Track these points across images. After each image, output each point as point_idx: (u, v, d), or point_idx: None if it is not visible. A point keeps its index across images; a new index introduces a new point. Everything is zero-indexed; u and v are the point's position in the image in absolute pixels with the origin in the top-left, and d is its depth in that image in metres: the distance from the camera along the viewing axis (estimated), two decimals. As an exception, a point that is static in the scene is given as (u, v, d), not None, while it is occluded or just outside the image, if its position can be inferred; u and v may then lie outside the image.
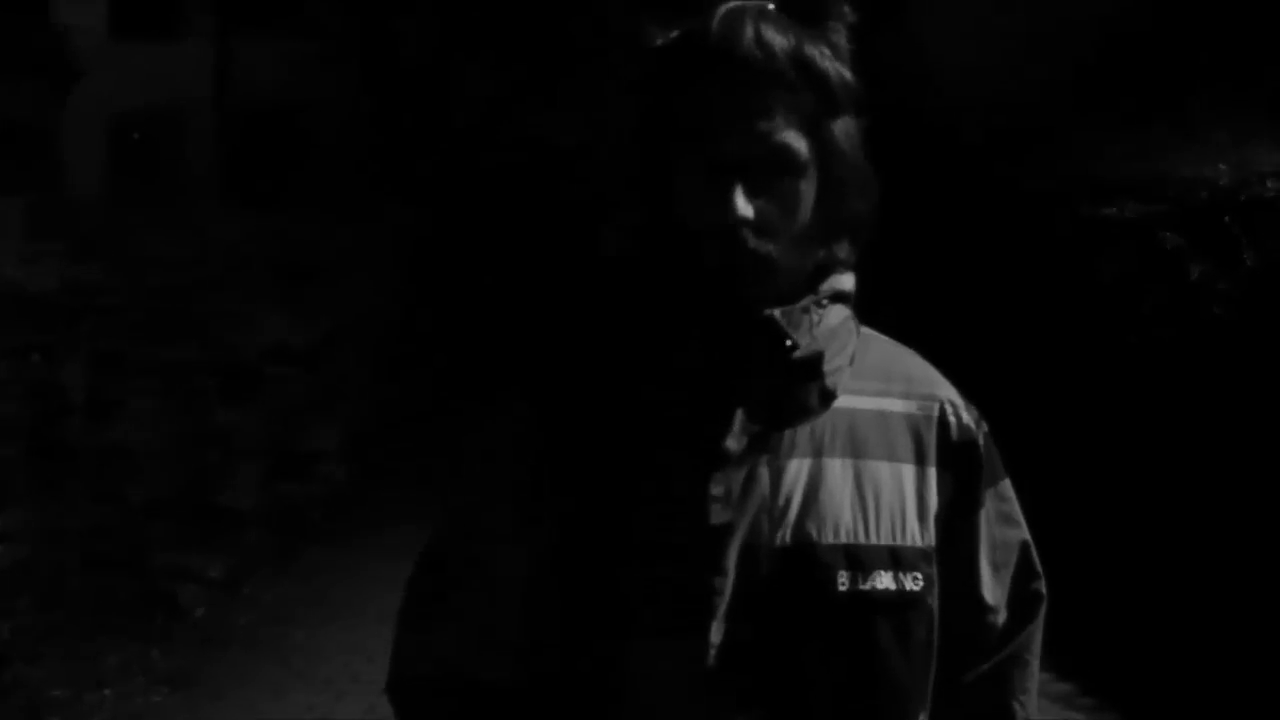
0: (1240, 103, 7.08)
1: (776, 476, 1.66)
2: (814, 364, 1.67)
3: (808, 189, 1.65)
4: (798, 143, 1.63)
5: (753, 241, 1.61)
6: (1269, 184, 5.75)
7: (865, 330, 1.79)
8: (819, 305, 1.69)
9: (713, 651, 1.62)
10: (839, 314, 1.72)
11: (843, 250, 1.74)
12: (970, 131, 9.19)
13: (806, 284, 1.69)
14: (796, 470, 1.67)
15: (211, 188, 21.36)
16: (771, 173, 1.62)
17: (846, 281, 1.75)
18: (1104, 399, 6.75)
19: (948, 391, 1.79)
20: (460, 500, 1.80)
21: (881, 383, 1.76)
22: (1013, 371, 6.80)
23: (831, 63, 1.67)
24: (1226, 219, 5.73)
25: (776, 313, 1.64)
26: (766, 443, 1.66)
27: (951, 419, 1.76)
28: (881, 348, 1.80)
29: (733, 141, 1.62)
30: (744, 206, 1.60)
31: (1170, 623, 6.00)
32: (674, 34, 1.68)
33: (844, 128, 1.69)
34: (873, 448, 1.71)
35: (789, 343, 1.64)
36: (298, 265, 10.04)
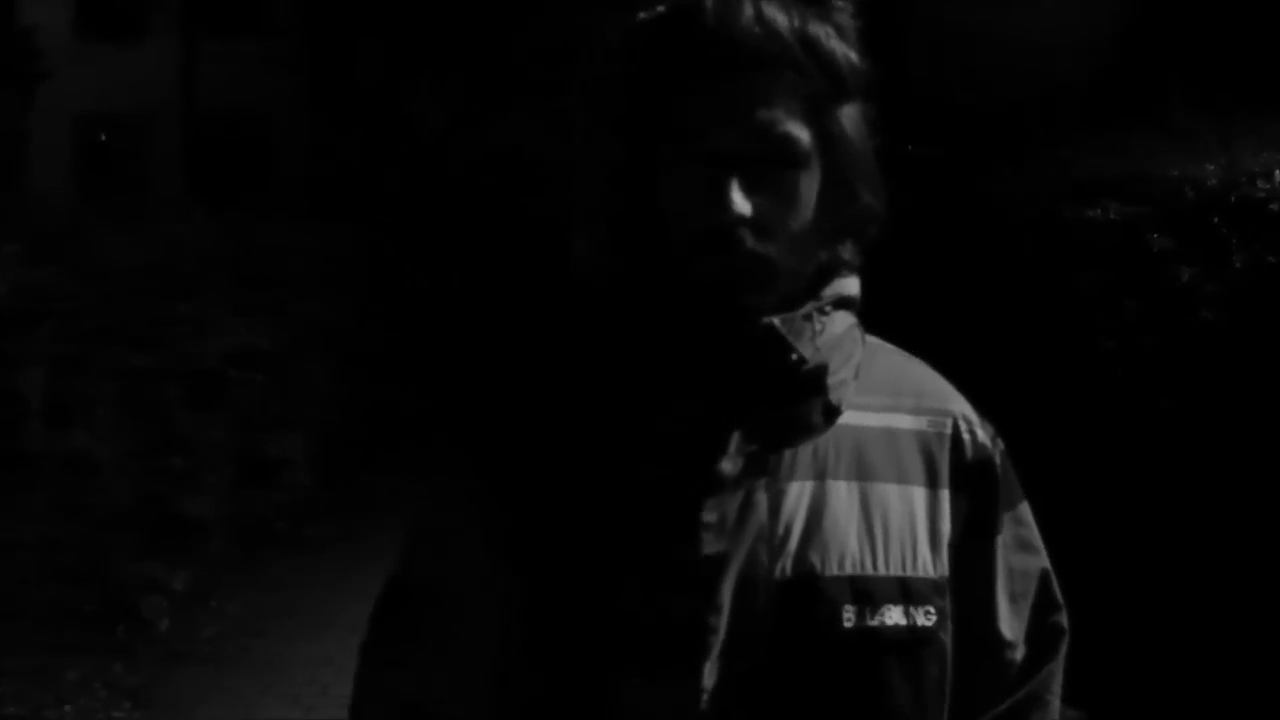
0: (1225, 101, 7.01)
1: (776, 502, 1.54)
2: (817, 377, 1.55)
3: (810, 184, 1.53)
4: (800, 132, 1.51)
5: (751, 242, 1.49)
6: (1259, 184, 5.67)
7: (870, 339, 1.67)
8: (822, 312, 1.56)
9: (706, 695, 1.49)
10: (843, 322, 1.60)
11: (847, 251, 1.62)
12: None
13: (807, 289, 1.56)
14: (798, 495, 1.55)
15: (175, 190, 21.31)
16: (771, 166, 1.50)
17: (851, 285, 1.63)
18: (1083, 410, 6.65)
19: (961, 406, 1.67)
20: (427, 525, 1.66)
21: (889, 397, 1.63)
22: (987, 380, 6.66)
23: (838, 43, 1.55)
24: (1215, 220, 5.64)
25: (776, 321, 1.51)
26: (765, 465, 1.54)
27: (966, 436, 1.64)
28: (889, 359, 1.68)
29: (729, 133, 1.49)
30: (742, 203, 1.48)
31: (1165, 640, 5.93)
32: (659, 9, 1.54)
33: (851, 115, 1.57)
34: (880, 469, 1.59)
35: (794, 356, 1.52)
36: (262, 270, 9.91)
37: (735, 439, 1.52)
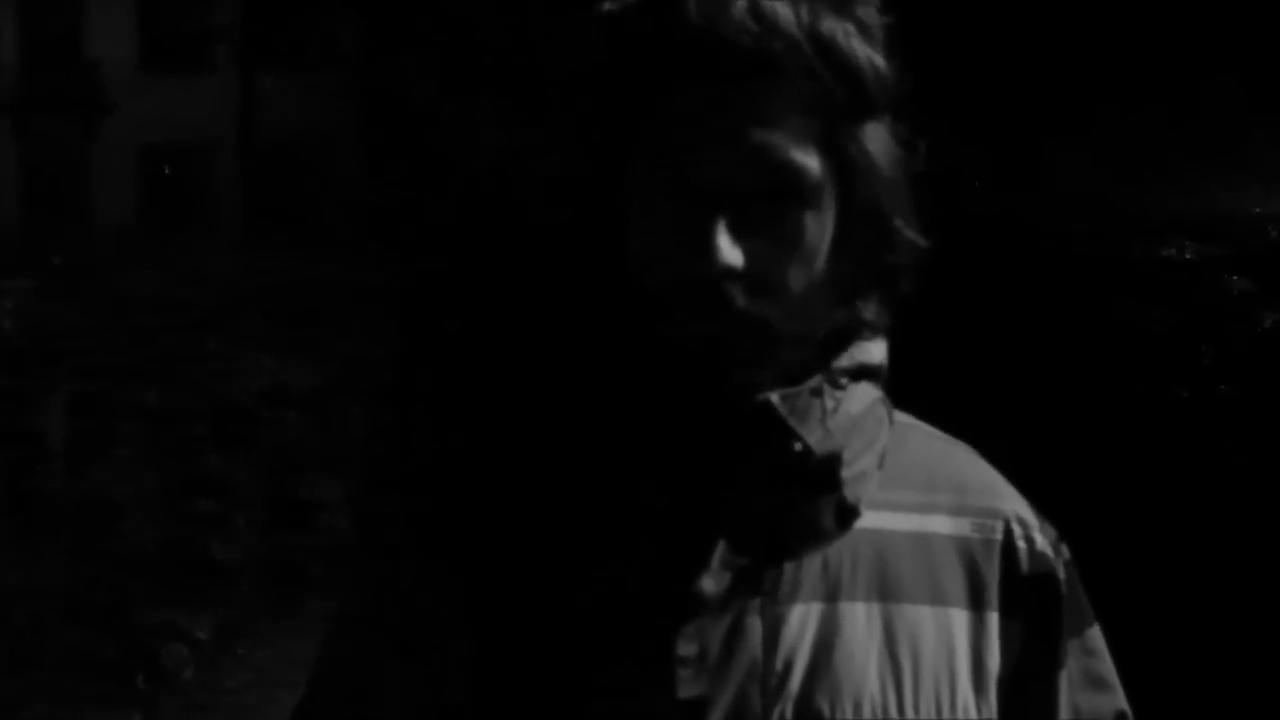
0: None
1: (773, 630, 1.25)
2: (828, 469, 1.26)
3: (820, 225, 1.24)
4: (807, 160, 1.22)
5: (742, 300, 1.21)
6: (1350, 225, 5.30)
7: (900, 418, 1.36)
8: (836, 386, 1.27)
9: None
10: (864, 397, 1.30)
11: (869, 309, 1.32)
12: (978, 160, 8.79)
13: (819, 357, 1.28)
14: (801, 620, 1.26)
15: (235, 223, 21.31)
16: (769, 203, 1.22)
17: (875, 352, 1.33)
18: (1155, 462, 6.31)
19: (1015, 505, 1.36)
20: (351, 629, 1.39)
21: (923, 493, 1.33)
22: (1051, 433, 6.36)
23: (859, 43, 1.24)
24: None
25: (775, 398, 1.23)
26: (759, 582, 1.25)
27: (1021, 544, 1.33)
28: (923, 443, 1.37)
29: (714, 160, 1.21)
30: (729, 251, 1.20)
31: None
32: (629, 1, 1.23)
33: (877, 136, 1.27)
34: (910, 586, 1.29)
35: (798, 446, 1.23)
36: (299, 305, 9.66)
37: (720, 549, 1.24)
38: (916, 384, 1.48)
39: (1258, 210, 5.53)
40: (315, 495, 9.22)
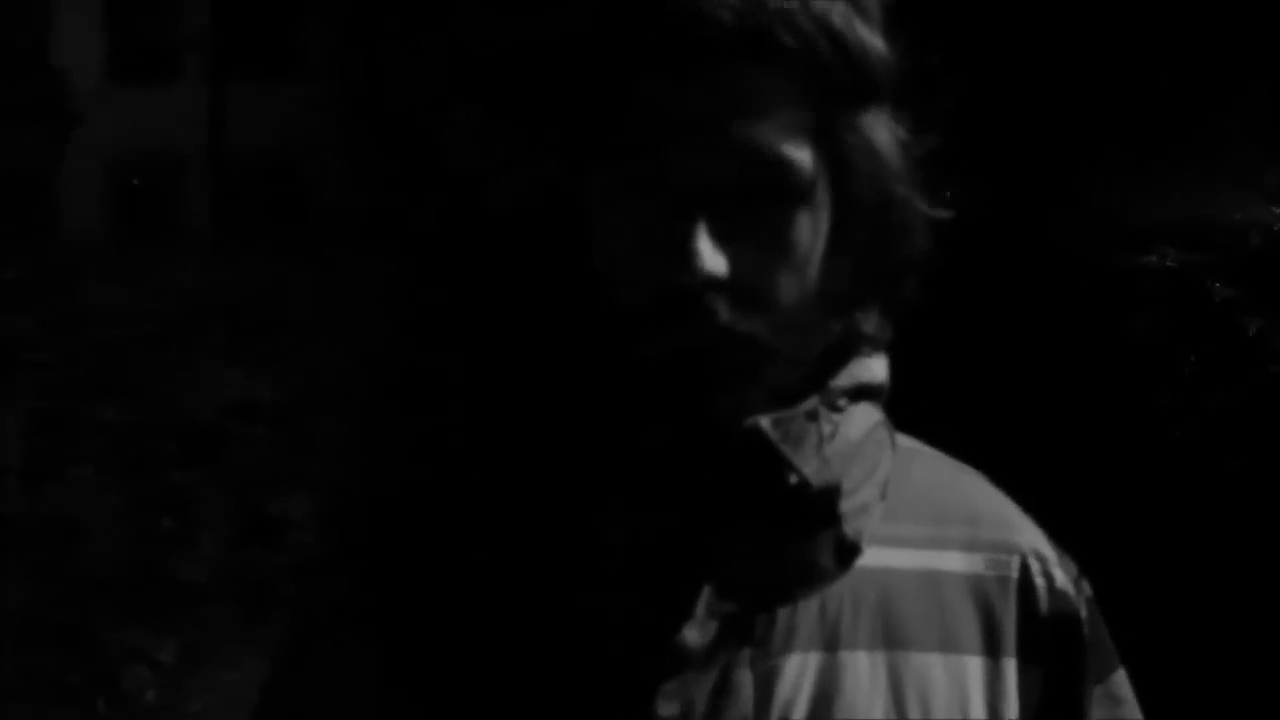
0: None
1: (766, 684, 1.12)
2: (826, 502, 1.13)
3: (813, 226, 1.11)
4: (797, 152, 1.09)
5: (726, 313, 1.08)
6: (1336, 229, 5.23)
7: (903, 442, 1.24)
8: (833, 408, 1.15)
9: None
10: (864, 420, 1.18)
11: (870, 321, 1.19)
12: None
13: (813, 375, 1.14)
14: (798, 672, 1.13)
15: (205, 234, 21.15)
16: (756, 201, 1.09)
17: (876, 369, 1.20)
18: (1138, 474, 6.20)
19: (1032, 538, 1.23)
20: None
21: (931, 526, 1.20)
22: (1032, 444, 6.26)
23: (859, 22, 1.12)
24: None
25: (765, 422, 1.10)
26: (749, 631, 1.12)
27: (1039, 581, 1.20)
28: (929, 470, 1.24)
29: (693, 155, 1.07)
30: (711, 258, 1.06)
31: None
32: None
33: (878, 125, 1.14)
34: (918, 631, 1.16)
35: (793, 477, 1.10)
36: (270, 318, 9.52)
37: (705, 595, 1.10)
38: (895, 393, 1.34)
39: (1238, 216, 5.46)
40: (284, 511, 9.08)
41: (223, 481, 8.63)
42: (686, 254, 1.06)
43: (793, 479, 1.10)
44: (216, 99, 24.14)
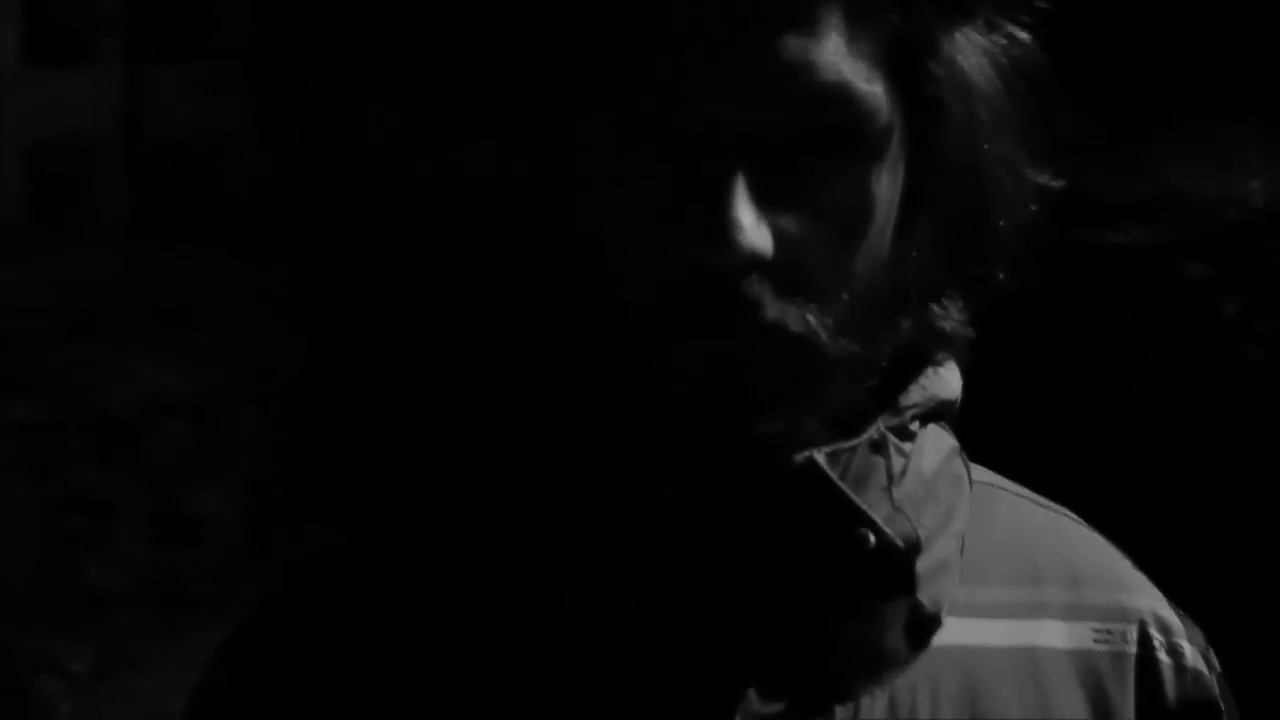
0: (1261, 109, 6.34)
1: None
2: (901, 563, 0.87)
3: (888, 186, 0.84)
4: (866, 86, 0.81)
5: (772, 307, 0.81)
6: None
7: (979, 474, 0.97)
8: (903, 435, 0.89)
9: None
10: (937, 449, 0.92)
11: (950, 316, 0.90)
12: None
13: (879, 390, 0.87)
14: None
15: (120, 222, 20.80)
16: (809, 155, 0.81)
17: (951, 380, 0.93)
18: (1098, 462, 6.02)
19: (1149, 601, 0.96)
20: None
21: (1023, 588, 0.94)
22: (992, 431, 6.05)
23: None
24: (1268, 245, 4.98)
25: (821, 457, 0.84)
26: None
27: (1163, 658, 0.94)
28: (1015, 513, 0.97)
29: (724, 92, 0.79)
30: (753, 231, 0.79)
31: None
32: None
33: (976, 52, 0.86)
34: None
35: (861, 529, 0.84)
36: (184, 308, 9.23)
37: (747, 699, 0.84)
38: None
39: (1212, 191, 5.27)
40: (202, 509, 8.80)
41: (137, 479, 8.32)
42: (720, 226, 0.78)
43: (861, 533, 0.83)
44: (132, 83, 23.79)
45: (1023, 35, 0.87)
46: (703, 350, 0.80)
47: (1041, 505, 0.99)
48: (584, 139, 0.83)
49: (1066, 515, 0.99)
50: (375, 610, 0.92)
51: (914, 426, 0.89)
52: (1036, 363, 6.54)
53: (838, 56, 0.78)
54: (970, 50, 0.84)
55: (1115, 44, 7.43)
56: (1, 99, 25.74)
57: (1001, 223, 0.88)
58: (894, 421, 0.88)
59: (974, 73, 0.84)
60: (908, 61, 0.82)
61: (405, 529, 0.97)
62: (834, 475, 0.83)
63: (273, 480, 10.27)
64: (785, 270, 0.80)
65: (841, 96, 0.79)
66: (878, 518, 0.84)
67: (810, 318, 0.81)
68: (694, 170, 0.79)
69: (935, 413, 0.91)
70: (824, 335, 0.81)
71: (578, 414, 0.86)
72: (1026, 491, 0.99)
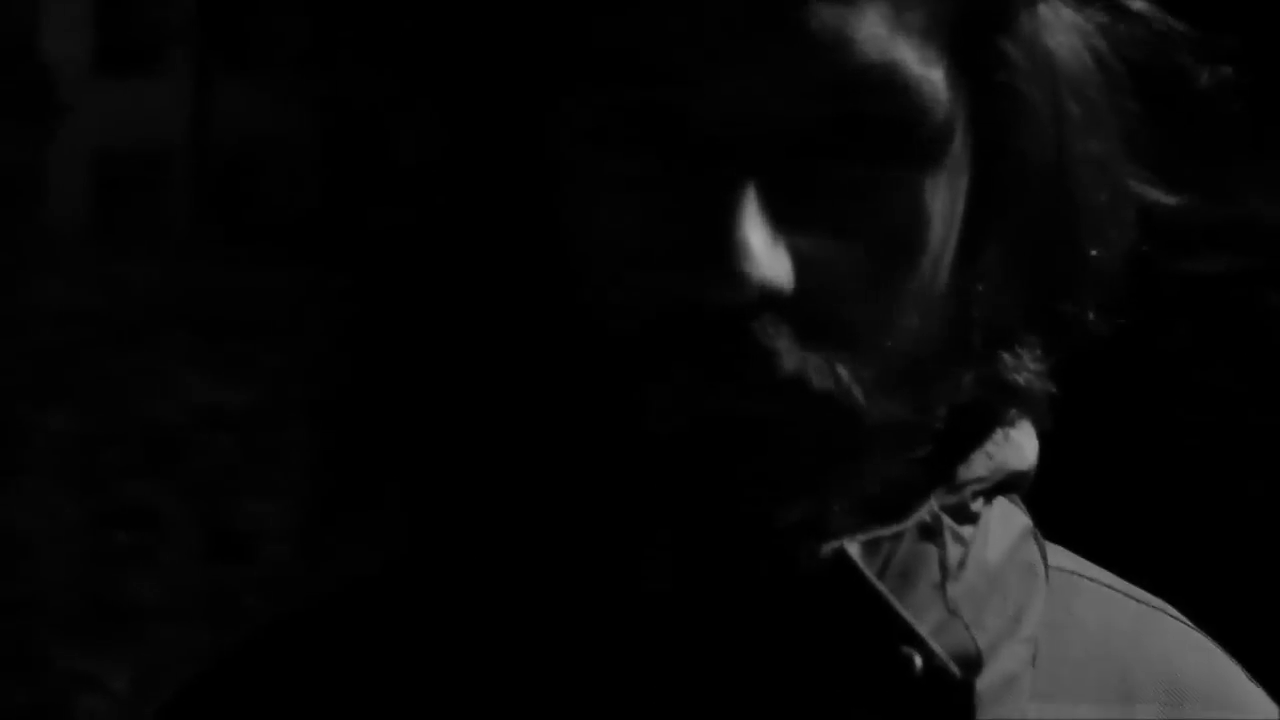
0: None
1: None
2: (953, 686, 0.68)
3: (946, 201, 0.67)
4: (920, 70, 0.64)
5: (793, 358, 0.64)
6: None
7: (1057, 559, 0.79)
8: (963, 515, 0.72)
9: None
10: (1006, 531, 0.74)
11: (1023, 366, 0.73)
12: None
13: (931, 461, 0.70)
14: None
15: (184, 230, 21.01)
16: (844, 161, 0.65)
17: (1025, 447, 0.75)
18: (1172, 507, 5.80)
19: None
20: None
21: (1113, 705, 0.75)
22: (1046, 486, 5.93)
23: None
24: None
25: (854, 549, 0.67)
26: None
27: None
28: (1100, 610, 0.79)
29: (728, 76, 0.63)
30: (768, 258, 0.63)
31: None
32: None
33: (1062, 30, 0.67)
34: None
35: (903, 647, 0.67)
36: (242, 318, 9.18)
37: None
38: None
39: None
40: (254, 523, 8.71)
41: (186, 492, 8.19)
42: (722, 251, 0.62)
43: (905, 653, 0.66)
44: (201, 93, 24.01)
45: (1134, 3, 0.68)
46: (700, 409, 0.63)
47: (1134, 598, 0.81)
48: (563, 134, 0.66)
49: (1164, 611, 0.82)
50: (303, 700, 0.80)
51: (976, 506, 0.72)
52: (1103, 402, 6.37)
53: (882, 30, 0.61)
54: (1058, 26, 0.67)
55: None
56: (72, 106, 26.00)
57: (1095, 249, 0.72)
58: (951, 500, 0.72)
59: (1063, 55, 0.67)
60: (976, 39, 0.65)
61: (345, 603, 0.83)
62: (869, 572, 0.67)
63: (325, 494, 10.23)
64: (808, 308, 0.64)
65: (886, 82, 0.63)
66: (925, 630, 0.67)
67: (841, 371, 0.65)
68: (691, 177, 0.62)
69: (1004, 485, 0.74)
70: (858, 394, 0.65)
71: (548, 464, 0.70)
72: (1114, 579, 0.81)
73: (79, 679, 6.99)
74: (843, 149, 0.64)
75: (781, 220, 0.63)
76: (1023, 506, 0.77)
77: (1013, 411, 0.74)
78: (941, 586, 0.71)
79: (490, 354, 0.74)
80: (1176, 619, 0.83)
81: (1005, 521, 0.75)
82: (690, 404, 0.64)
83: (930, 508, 0.71)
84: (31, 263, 9.66)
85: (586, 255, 0.66)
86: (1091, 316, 0.72)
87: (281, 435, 9.39)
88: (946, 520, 0.71)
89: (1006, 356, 0.72)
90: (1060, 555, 0.81)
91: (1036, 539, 0.78)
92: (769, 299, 0.63)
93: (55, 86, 27.56)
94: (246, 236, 17.00)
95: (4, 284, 8.12)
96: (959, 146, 0.67)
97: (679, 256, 0.63)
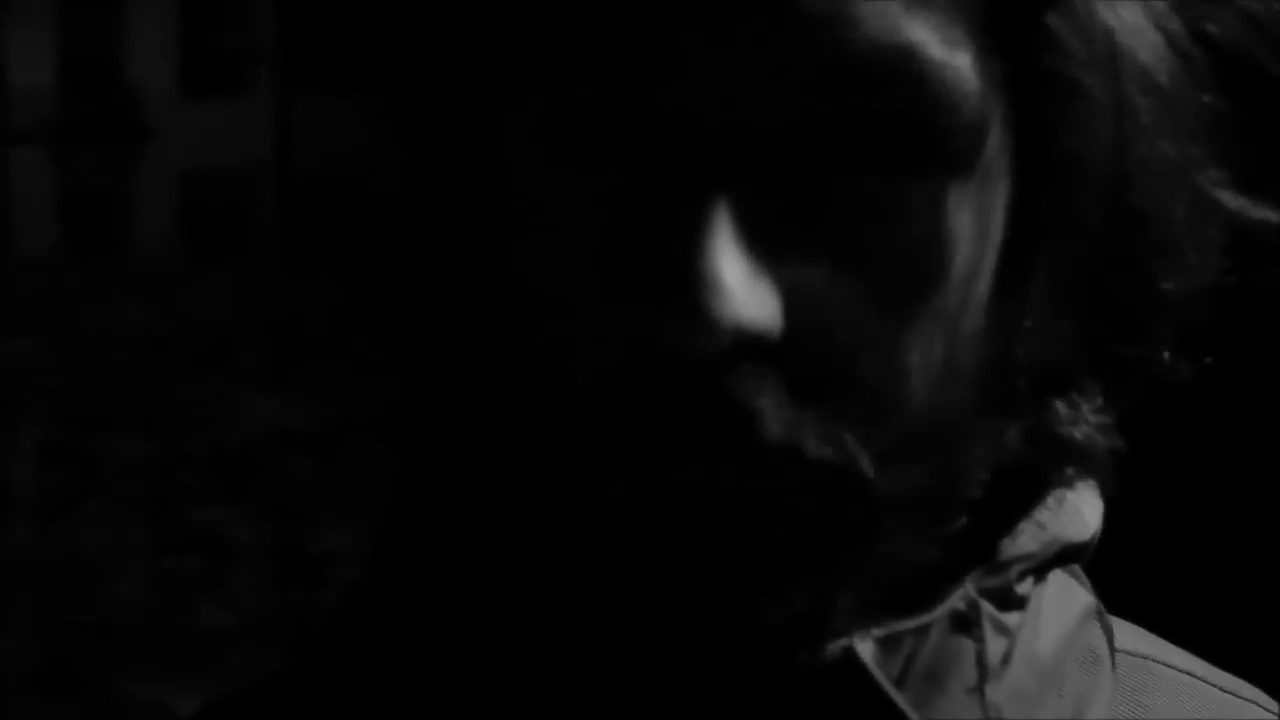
0: None
1: None
2: None
3: (973, 217, 0.52)
4: (944, 55, 0.49)
5: (777, 420, 0.50)
6: None
7: (1127, 640, 0.66)
8: (1006, 601, 0.57)
9: None
10: (1062, 615, 0.60)
11: (1081, 419, 0.58)
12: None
13: (966, 537, 0.56)
14: None
15: (268, 252, 21.26)
16: (843, 168, 0.51)
17: (1088, 513, 0.61)
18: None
19: None
20: None
21: None
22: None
23: None
24: None
25: (866, 649, 0.53)
26: None
27: None
28: (1178, 702, 0.65)
29: (704, 63, 0.49)
30: (743, 293, 0.48)
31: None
32: None
33: (1126, 8, 0.53)
34: None
35: None
36: (315, 340, 9.17)
37: None
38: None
39: None
40: (327, 547, 8.68)
41: (257, 516, 8.18)
42: (690, 286, 0.49)
43: None
44: (283, 114, 24.24)
45: None
46: (668, 486, 0.51)
47: (1219, 687, 0.68)
48: (501, 138, 0.55)
49: (1257, 703, 0.68)
50: None
51: (1024, 588, 0.59)
52: (1180, 452, 6.09)
53: (894, 5, 0.49)
54: (1122, 4, 0.54)
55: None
56: (158, 129, 26.33)
57: (1168, 274, 0.58)
58: (992, 582, 0.58)
59: (1127, 36, 0.54)
60: (1016, 16, 0.52)
61: (276, 692, 0.74)
62: (882, 677, 0.54)
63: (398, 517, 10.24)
64: (801, 357, 0.51)
65: (897, 70, 0.50)
66: None
67: (843, 434, 0.52)
68: (654, 192, 0.50)
69: (1059, 559, 0.60)
70: (865, 462, 0.52)
71: (499, 550, 0.59)
72: (1195, 663, 0.68)
73: (148, 705, 6.96)
74: (844, 155, 0.51)
75: (766, 246, 0.50)
76: (1084, 580, 0.63)
77: (1069, 472, 0.61)
78: (980, 689, 0.57)
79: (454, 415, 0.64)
80: (1271, 712, 0.69)
81: (1062, 602, 0.61)
82: (656, 480, 0.51)
83: (965, 593, 0.57)
84: (115, 287, 9.70)
85: (537, 294, 0.54)
86: (1165, 357, 0.59)
87: (356, 458, 9.48)
88: (986, 607, 0.58)
89: (1060, 406, 0.59)
90: (1130, 636, 0.68)
91: (1101, 618, 0.65)
92: (749, 346, 0.50)
93: (141, 110, 27.91)
94: (328, 258, 17.17)
95: (86, 309, 8.13)
96: (994, 150, 0.53)
97: (637, 292, 0.50)
